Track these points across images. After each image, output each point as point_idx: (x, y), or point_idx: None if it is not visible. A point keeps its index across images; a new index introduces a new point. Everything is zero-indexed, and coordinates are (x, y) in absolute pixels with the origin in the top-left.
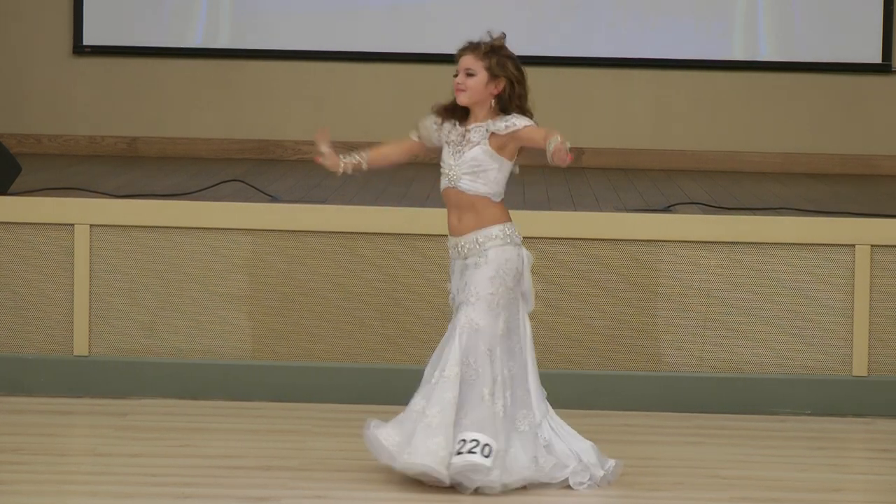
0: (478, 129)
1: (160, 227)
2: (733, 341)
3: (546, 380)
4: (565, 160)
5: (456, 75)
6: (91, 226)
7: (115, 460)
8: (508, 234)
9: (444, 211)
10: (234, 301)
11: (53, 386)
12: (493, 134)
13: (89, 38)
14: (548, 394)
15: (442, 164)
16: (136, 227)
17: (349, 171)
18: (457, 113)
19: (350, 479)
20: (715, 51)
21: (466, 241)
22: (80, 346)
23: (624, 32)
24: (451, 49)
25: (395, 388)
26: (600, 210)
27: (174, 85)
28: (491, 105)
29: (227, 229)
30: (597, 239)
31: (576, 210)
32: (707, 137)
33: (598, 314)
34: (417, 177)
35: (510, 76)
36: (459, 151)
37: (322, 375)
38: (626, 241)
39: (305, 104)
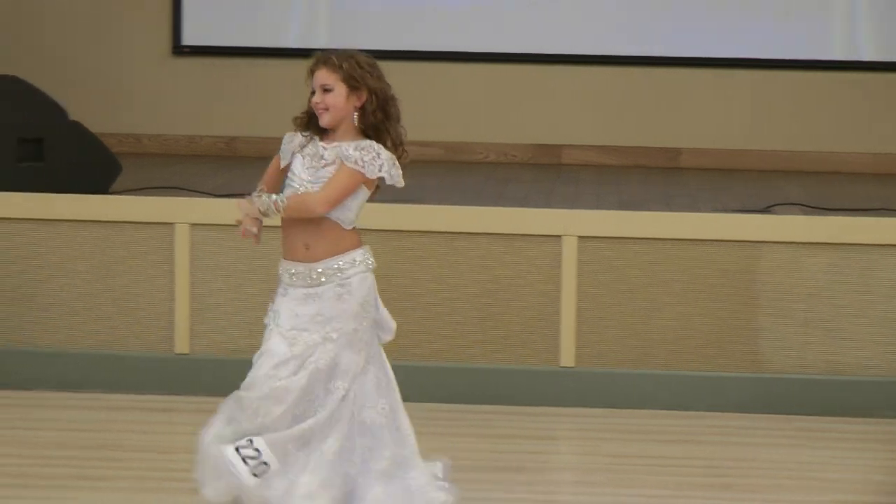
0: (334, 150)
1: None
2: (835, 343)
3: (644, 381)
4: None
5: (313, 93)
6: (191, 224)
7: None
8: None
9: (543, 212)
10: None
11: (154, 384)
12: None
13: (188, 39)
14: (642, 395)
15: (291, 175)
16: (235, 226)
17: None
18: (316, 125)
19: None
20: (814, 51)
21: (322, 266)
22: (181, 345)
23: (721, 32)
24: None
25: (493, 389)
26: (698, 210)
27: (272, 85)
28: (353, 120)
29: None
30: (696, 240)
31: (671, 210)
32: (805, 138)
33: (698, 315)
34: (514, 177)
35: (371, 86)
36: (314, 167)
37: (423, 375)
38: (726, 241)
39: (401, 104)
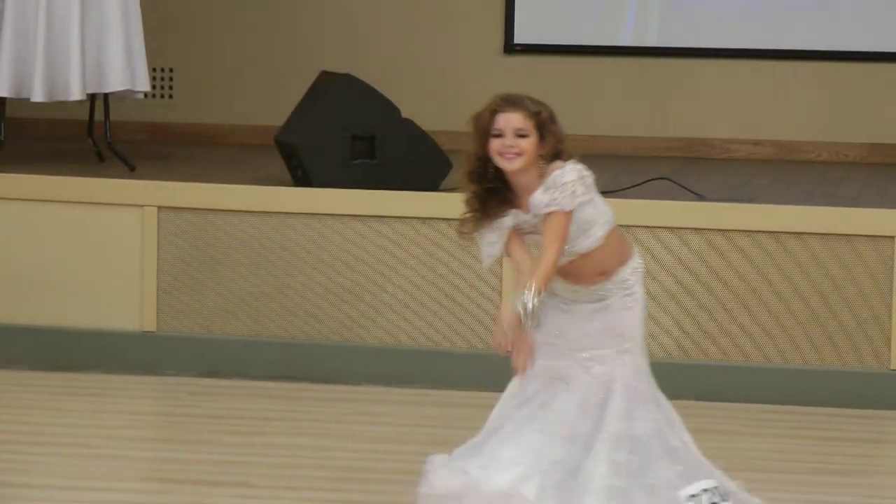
0: (529, 216)
1: None
2: None
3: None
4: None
5: (498, 135)
6: None
7: None
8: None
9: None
10: (659, 299)
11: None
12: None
13: (520, 37)
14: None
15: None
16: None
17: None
18: (496, 199)
19: (774, 481)
20: None
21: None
22: None
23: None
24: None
25: (816, 390)
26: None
27: (601, 82)
28: (537, 167)
29: (655, 227)
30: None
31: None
32: None
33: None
34: (846, 176)
35: (557, 137)
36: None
37: (741, 376)
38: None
39: (733, 102)
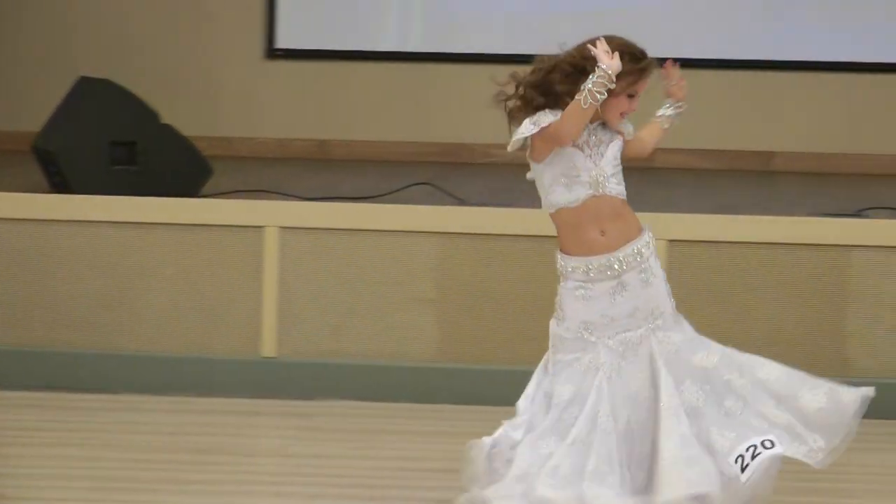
0: (604, 128)
1: (349, 229)
2: None
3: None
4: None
5: (632, 96)
6: (280, 228)
7: (301, 461)
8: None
9: None
10: (422, 304)
11: (240, 387)
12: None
13: (282, 42)
14: None
15: (575, 172)
16: (325, 229)
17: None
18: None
19: None
20: None
21: (624, 254)
22: (268, 348)
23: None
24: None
25: None
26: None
27: (365, 88)
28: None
29: (416, 232)
30: (789, 244)
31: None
32: None
33: (789, 317)
34: None
35: None
36: (598, 153)
37: (507, 379)
38: (816, 245)
39: (494, 107)
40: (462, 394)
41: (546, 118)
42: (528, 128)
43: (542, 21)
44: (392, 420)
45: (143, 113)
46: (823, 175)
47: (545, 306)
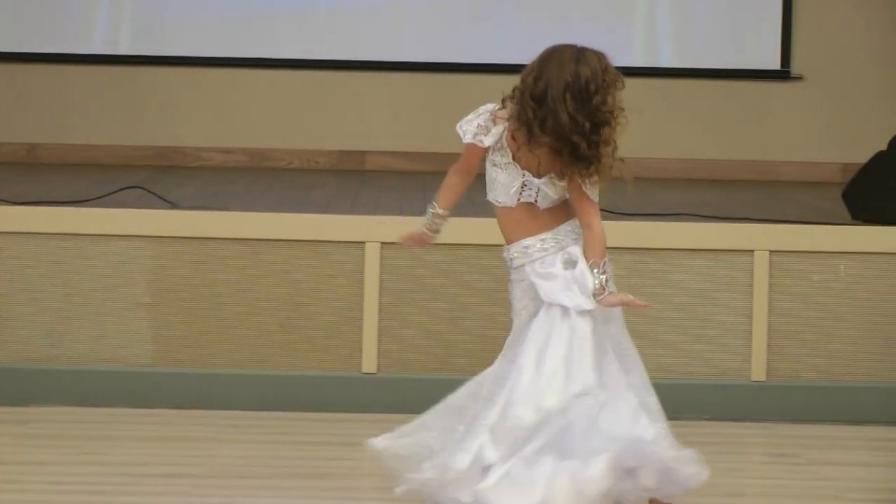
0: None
1: (61, 233)
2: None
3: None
4: None
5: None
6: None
7: (16, 468)
8: None
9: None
10: (136, 308)
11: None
12: None
13: None
14: None
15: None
16: (36, 233)
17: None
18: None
19: (256, 486)
20: (617, 57)
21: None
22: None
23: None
24: (353, 56)
25: (296, 395)
26: None
27: (75, 91)
28: None
29: (129, 236)
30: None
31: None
32: None
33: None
34: (318, 184)
35: None
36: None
37: (225, 383)
38: None
39: (205, 111)
40: (179, 397)
41: (480, 133)
42: (469, 131)
43: (256, 22)
44: (111, 426)
45: None
46: None
47: (259, 308)
